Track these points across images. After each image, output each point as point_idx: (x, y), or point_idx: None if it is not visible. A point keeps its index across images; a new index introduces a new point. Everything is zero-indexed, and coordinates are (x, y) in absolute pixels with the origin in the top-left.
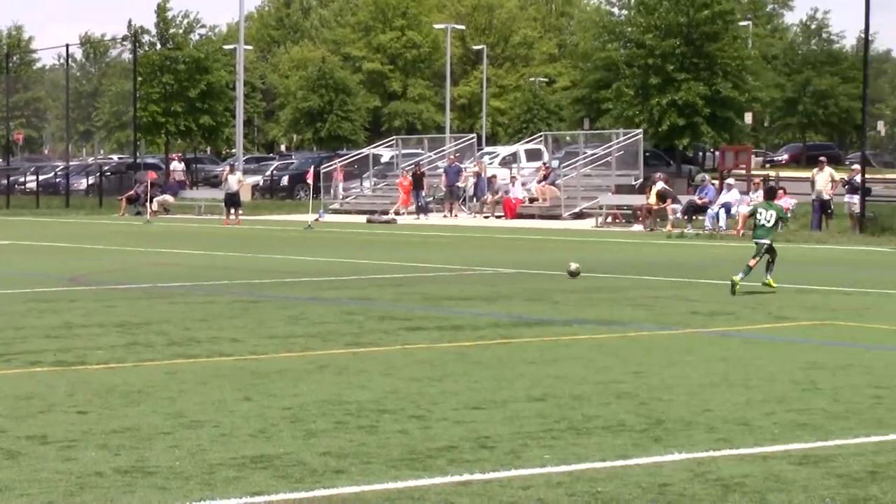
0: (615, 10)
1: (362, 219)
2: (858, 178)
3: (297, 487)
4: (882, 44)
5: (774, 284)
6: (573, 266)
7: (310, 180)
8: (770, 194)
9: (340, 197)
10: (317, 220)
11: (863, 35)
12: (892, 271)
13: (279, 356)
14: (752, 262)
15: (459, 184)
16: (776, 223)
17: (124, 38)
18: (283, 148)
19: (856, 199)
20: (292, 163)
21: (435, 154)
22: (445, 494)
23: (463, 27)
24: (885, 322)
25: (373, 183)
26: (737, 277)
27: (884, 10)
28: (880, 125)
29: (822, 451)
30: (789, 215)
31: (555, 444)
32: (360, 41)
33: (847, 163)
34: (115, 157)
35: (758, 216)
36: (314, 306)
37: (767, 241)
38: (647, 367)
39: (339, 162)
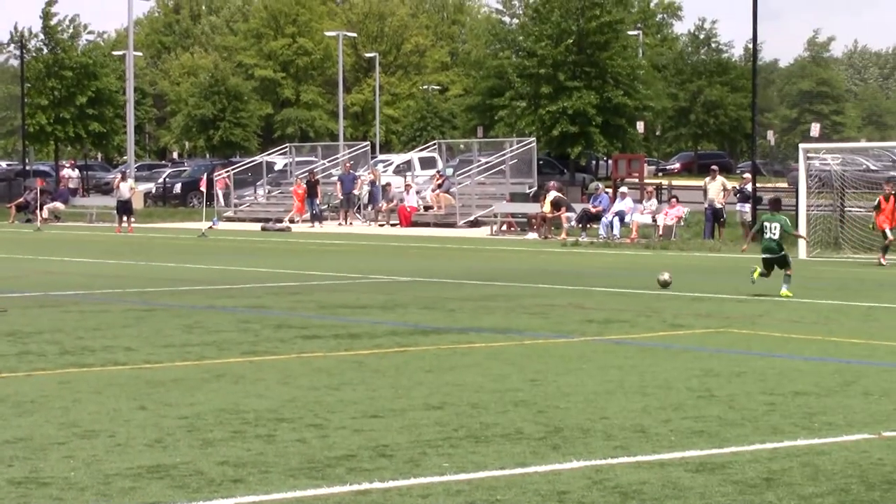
0: (506, 18)
1: (257, 227)
2: (749, 187)
3: (195, 497)
4: (769, 53)
5: (790, 294)
6: (665, 275)
7: (203, 188)
8: (775, 206)
9: (224, 205)
10: (210, 227)
11: (750, 45)
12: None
13: (174, 365)
14: (763, 272)
15: (354, 191)
16: (782, 235)
17: (10, 42)
18: (175, 155)
19: (747, 207)
20: (185, 170)
21: (329, 162)
22: (345, 503)
23: (355, 35)
24: (777, 330)
25: (266, 191)
26: (756, 274)
27: (770, 20)
28: (770, 134)
29: (718, 458)
30: (683, 223)
31: (453, 452)
32: (251, 48)
33: (738, 171)
34: (3, 164)
35: (764, 230)
36: (209, 315)
37: (776, 255)
38: (544, 374)
39: (230, 170)
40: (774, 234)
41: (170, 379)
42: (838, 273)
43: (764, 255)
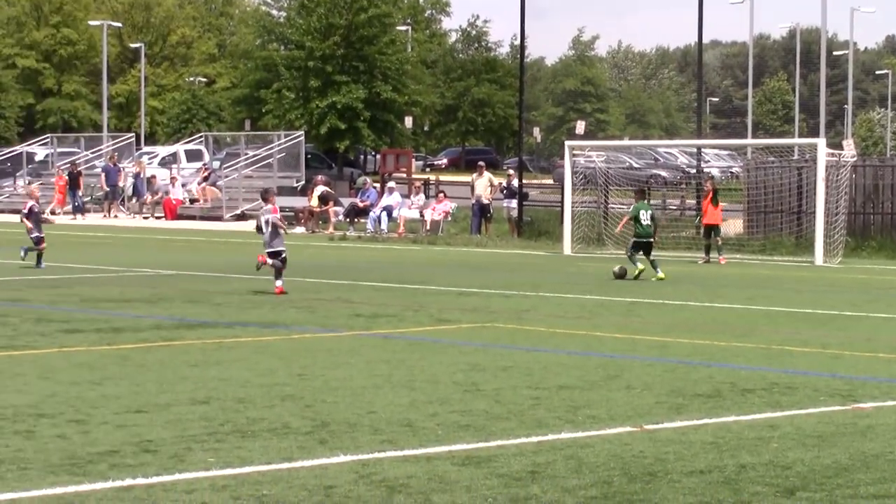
0: (274, 11)
1: (16, 218)
2: (516, 183)
3: None
4: (536, 52)
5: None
6: (617, 268)
7: None
8: (642, 195)
9: None
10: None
11: (517, 42)
12: (548, 274)
13: None
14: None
15: (118, 183)
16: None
17: None
18: None
19: (514, 203)
20: None
21: (92, 153)
22: (107, 500)
23: (120, 25)
24: (542, 324)
25: (26, 181)
26: (640, 267)
27: (537, 19)
28: (536, 131)
29: (484, 452)
30: (450, 218)
31: (219, 447)
32: (10, 37)
33: (504, 168)
34: None
35: (641, 217)
36: None
37: (650, 239)
38: (311, 369)
39: None
40: (650, 220)
41: None
42: (602, 269)
43: (641, 239)
